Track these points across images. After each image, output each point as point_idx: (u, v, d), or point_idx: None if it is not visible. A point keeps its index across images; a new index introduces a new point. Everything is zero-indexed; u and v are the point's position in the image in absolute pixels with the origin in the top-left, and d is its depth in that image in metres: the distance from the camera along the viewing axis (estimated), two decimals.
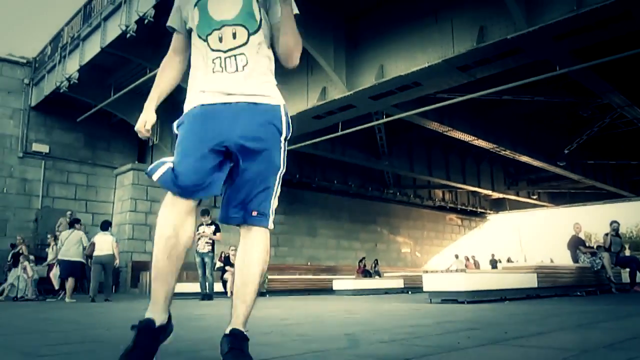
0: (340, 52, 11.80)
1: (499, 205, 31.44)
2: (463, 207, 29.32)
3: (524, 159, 19.82)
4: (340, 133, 14.65)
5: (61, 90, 14.78)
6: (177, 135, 2.14)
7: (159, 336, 2.04)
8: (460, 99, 12.75)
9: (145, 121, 2.23)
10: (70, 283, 10.40)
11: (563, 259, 10.73)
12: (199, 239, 10.64)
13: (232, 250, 12.66)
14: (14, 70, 17.14)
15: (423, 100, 13.46)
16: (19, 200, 16.41)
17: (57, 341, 3.08)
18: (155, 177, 2.03)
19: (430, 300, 7.30)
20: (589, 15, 8.50)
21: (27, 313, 6.47)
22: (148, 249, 17.44)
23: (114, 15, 12.51)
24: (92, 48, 13.58)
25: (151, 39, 13.04)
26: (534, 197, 28.11)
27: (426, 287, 7.51)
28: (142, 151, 19.36)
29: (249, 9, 2.15)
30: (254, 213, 2.09)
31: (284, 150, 2.17)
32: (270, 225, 2.13)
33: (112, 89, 15.29)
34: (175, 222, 2.00)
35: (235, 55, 2.12)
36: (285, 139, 2.17)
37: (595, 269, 9.57)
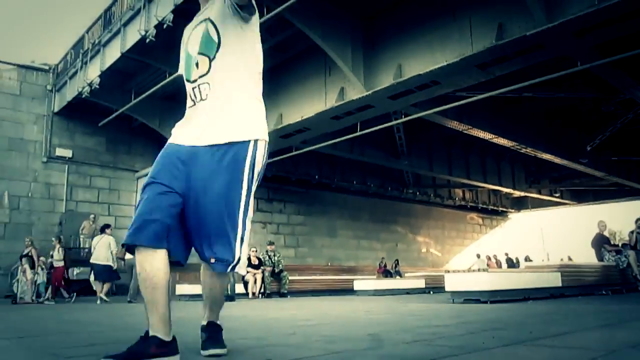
0: (358, 52, 11.79)
1: (520, 204, 31.07)
2: (484, 206, 29.03)
3: (546, 156, 19.56)
4: (359, 133, 14.62)
5: (83, 96, 15.00)
6: None
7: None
8: (480, 97, 12.64)
9: None
10: (98, 286, 11.09)
11: (588, 257, 10.57)
12: None
13: (253, 251, 12.71)
14: (37, 77, 17.45)
15: (442, 99, 13.36)
16: (44, 204, 16.71)
17: (81, 343, 3.13)
18: None
19: (453, 300, 7.26)
20: (610, 9, 8.35)
21: (48, 315, 6.58)
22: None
23: (134, 20, 12.67)
24: (112, 53, 13.76)
25: (170, 44, 13.17)
26: (557, 195, 27.71)
27: (448, 287, 7.46)
28: None
29: (206, 33, 2.26)
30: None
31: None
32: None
33: (132, 93, 15.47)
34: None
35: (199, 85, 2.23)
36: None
37: (621, 267, 9.42)
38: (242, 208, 2.10)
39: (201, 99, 2.19)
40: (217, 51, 2.20)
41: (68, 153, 17.30)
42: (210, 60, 2.21)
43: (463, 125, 16.22)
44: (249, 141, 2.14)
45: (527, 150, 18.95)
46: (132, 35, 12.69)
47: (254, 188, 2.15)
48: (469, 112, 15.86)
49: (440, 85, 11.76)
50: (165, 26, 11.13)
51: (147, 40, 11.73)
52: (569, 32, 9.27)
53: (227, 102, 2.17)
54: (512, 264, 24.14)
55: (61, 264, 13.17)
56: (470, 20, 10.29)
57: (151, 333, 2.00)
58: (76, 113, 17.18)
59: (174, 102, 17.13)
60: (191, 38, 2.36)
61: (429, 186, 25.44)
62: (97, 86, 14.32)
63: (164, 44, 12.73)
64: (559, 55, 10.69)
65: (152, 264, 1.99)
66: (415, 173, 23.26)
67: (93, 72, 14.63)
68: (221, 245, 2.07)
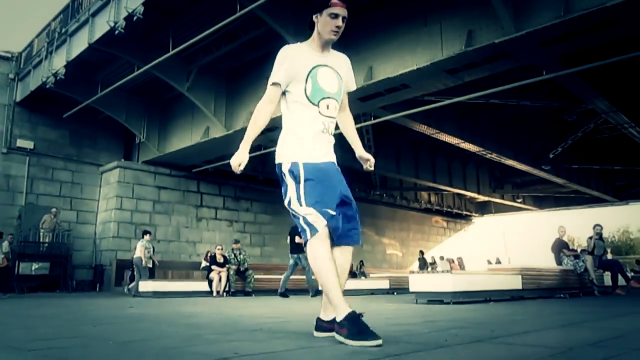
0: None
1: (484, 208, 31.69)
2: (449, 210, 29.49)
3: (510, 162, 19.98)
4: None
5: (47, 86, 14.60)
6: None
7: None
8: (448, 102, 12.84)
9: (241, 162, 2.68)
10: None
11: (547, 261, 10.84)
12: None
13: (218, 249, 12.61)
14: None
15: (411, 102, 13.52)
16: (2, 196, 16.20)
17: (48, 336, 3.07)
18: None
19: (417, 300, 7.36)
20: (576, 21, 8.60)
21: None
22: (133, 247, 17.31)
23: (103, 11, 12.42)
24: (79, 44, 13.45)
25: (140, 36, 12.98)
26: (519, 200, 28.35)
27: (412, 288, 7.57)
28: (128, 149, 19.22)
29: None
30: None
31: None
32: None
33: (99, 86, 15.14)
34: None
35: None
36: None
37: (579, 271, 9.70)
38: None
39: (326, 131, 2.96)
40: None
41: (29, 144, 16.83)
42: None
43: (431, 129, 16.44)
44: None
45: (492, 156, 19.33)
46: (100, 26, 12.43)
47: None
48: (437, 117, 16.08)
49: (410, 88, 11.91)
50: (135, 18, 10.95)
51: (117, 32, 11.52)
52: (536, 42, 9.50)
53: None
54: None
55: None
56: (441, 26, 10.45)
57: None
58: (39, 104, 16.74)
59: (141, 96, 16.87)
60: (323, 77, 2.86)
61: (396, 188, 25.70)
62: (62, 77, 13.97)
63: (134, 37, 12.53)
64: (526, 63, 10.94)
65: None
66: (382, 175, 23.44)
67: (58, 62, 14.27)
68: None
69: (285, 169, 2.75)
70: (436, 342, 2.58)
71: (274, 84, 2.78)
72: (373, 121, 14.94)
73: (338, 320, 2.54)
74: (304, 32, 11.10)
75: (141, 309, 6.33)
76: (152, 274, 12.84)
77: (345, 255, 2.79)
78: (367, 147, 18.84)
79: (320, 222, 2.63)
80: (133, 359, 2.15)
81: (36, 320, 4.67)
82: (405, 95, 12.44)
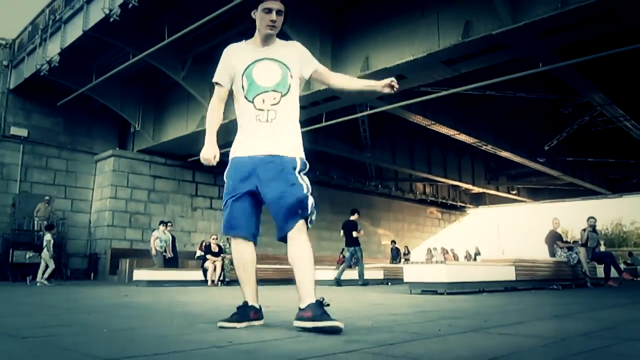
0: (326, 42, 11.79)
1: (479, 200, 31.80)
2: (443, 201, 29.57)
3: (505, 154, 20.04)
4: (324, 124, 14.66)
5: (41, 74, 14.49)
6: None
7: None
8: (444, 93, 12.84)
9: (215, 154, 2.91)
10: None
11: (541, 253, 10.89)
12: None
13: (213, 238, 12.62)
14: None
15: (407, 93, 13.51)
16: None
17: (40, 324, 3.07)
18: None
19: (411, 291, 7.39)
20: (573, 13, 8.60)
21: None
22: (128, 236, 17.31)
23: None
24: (74, 31, 13.33)
25: (135, 24, 12.87)
26: (514, 192, 28.46)
27: (407, 278, 7.59)
28: (123, 137, 19.14)
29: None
30: None
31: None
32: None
33: (94, 74, 15.03)
34: None
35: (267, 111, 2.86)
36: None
37: (572, 263, 9.76)
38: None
39: (262, 121, 2.95)
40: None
41: (23, 132, 16.73)
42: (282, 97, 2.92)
43: (427, 121, 16.45)
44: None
45: (488, 148, 19.37)
46: (95, 13, 12.31)
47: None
48: (433, 108, 16.09)
49: (407, 79, 11.88)
50: (130, 6, 10.86)
51: (112, 19, 11.42)
52: (533, 33, 9.51)
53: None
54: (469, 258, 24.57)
55: None
56: (438, 17, 10.43)
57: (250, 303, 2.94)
58: (33, 91, 16.63)
59: (136, 85, 16.77)
60: (262, 71, 2.89)
61: (391, 179, 25.73)
62: (57, 64, 13.87)
63: (129, 24, 12.43)
64: (523, 55, 10.94)
65: None
66: (377, 166, 23.47)
67: (53, 50, 14.16)
68: None
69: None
70: (430, 331, 2.59)
71: (216, 83, 2.97)
72: (369, 112, 14.92)
73: (303, 306, 2.66)
74: (298, 22, 11.06)
75: (136, 297, 6.34)
76: (171, 264, 12.93)
77: None
78: (362, 138, 18.92)
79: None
80: (127, 347, 2.15)
81: (31, 308, 4.67)
82: (402, 86, 12.36)
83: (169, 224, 13.39)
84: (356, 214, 12.42)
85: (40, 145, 17.10)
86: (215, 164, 2.94)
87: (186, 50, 13.97)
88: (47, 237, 12.63)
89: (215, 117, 3.01)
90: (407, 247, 22.41)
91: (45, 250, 12.35)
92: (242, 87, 2.87)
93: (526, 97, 15.72)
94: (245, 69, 2.87)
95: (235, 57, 2.92)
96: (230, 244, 2.99)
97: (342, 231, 12.22)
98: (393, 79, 2.97)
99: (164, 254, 12.63)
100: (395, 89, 2.97)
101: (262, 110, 2.84)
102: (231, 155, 2.91)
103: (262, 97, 2.84)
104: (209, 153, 2.90)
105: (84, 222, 17.79)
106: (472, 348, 2.12)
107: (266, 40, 2.91)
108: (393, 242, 20.96)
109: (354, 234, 11.82)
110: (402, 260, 19.73)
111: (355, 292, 8.04)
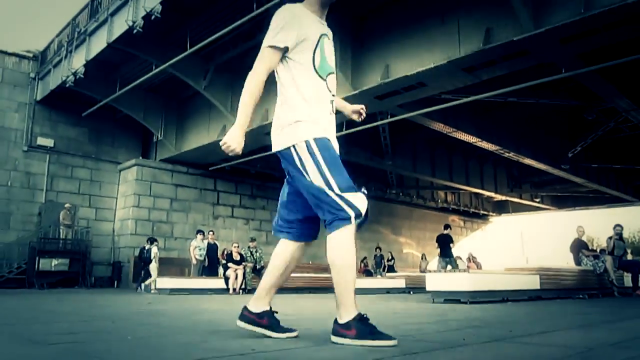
0: (346, 50, 11.81)
1: (501, 208, 31.40)
2: (465, 209, 29.27)
3: (528, 161, 19.79)
4: (344, 132, 14.64)
5: (67, 85, 14.82)
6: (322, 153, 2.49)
7: None
8: (465, 100, 12.75)
9: (242, 144, 2.37)
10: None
11: (565, 261, 10.72)
12: None
13: (235, 246, 12.68)
14: (20, 64, 17.20)
15: (428, 100, 13.45)
16: (23, 193, 16.47)
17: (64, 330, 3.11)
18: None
19: (433, 300, 7.32)
20: (596, 18, 8.49)
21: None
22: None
23: (121, 10, 12.54)
24: (98, 43, 13.61)
25: (158, 35, 13.07)
26: (537, 200, 28.05)
27: (429, 287, 7.53)
28: (146, 147, 19.41)
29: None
30: None
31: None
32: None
33: (117, 85, 15.31)
34: None
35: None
36: None
37: (598, 272, 9.57)
38: None
39: (333, 112, 2.62)
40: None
41: (50, 142, 17.08)
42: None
43: (448, 128, 16.33)
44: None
45: (510, 155, 19.15)
46: (119, 26, 12.56)
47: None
48: (454, 115, 15.98)
49: (427, 87, 11.85)
50: (153, 17, 11.04)
51: (135, 31, 11.62)
52: (555, 39, 9.39)
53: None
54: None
55: None
56: (458, 24, 10.38)
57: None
58: (59, 102, 16.97)
59: (158, 95, 17.01)
60: (328, 49, 2.54)
61: (412, 187, 25.58)
62: (82, 76, 14.15)
63: (152, 36, 12.62)
64: (545, 61, 10.82)
65: None
66: (398, 174, 23.36)
67: (78, 62, 14.45)
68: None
69: (302, 150, 2.45)
70: (454, 341, 2.56)
71: (276, 47, 2.37)
72: (390, 119, 14.89)
73: (343, 321, 2.34)
74: None
75: (159, 305, 6.40)
76: (211, 272, 13.15)
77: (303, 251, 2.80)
78: (383, 146, 18.87)
79: (363, 207, 2.50)
80: (151, 355, 2.17)
81: (56, 315, 4.73)
82: (422, 93, 12.38)
83: (210, 232, 13.78)
84: (449, 228, 14.54)
85: (65, 155, 17.44)
86: (238, 154, 2.41)
87: (207, 60, 14.13)
88: (154, 249, 13.53)
89: (257, 96, 2.42)
90: (390, 252, 21.70)
91: (153, 262, 13.28)
92: (313, 60, 2.42)
93: (549, 104, 15.52)
94: (318, 41, 2.43)
95: (306, 23, 2.42)
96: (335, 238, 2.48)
97: (436, 244, 14.39)
98: (362, 106, 2.94)
99: (203, 262, 13.12)
100: (362, 118, 2.95)
101: (333, 96, 2.55)
102: (316, 134, 2.44)
103: (332, 77, 2.53)
104: (236, 141, 2.34)
105: (108, 231, 18.04)
106: (497, 357, 2.09)
107: (324, 9, 2.50)
108: (378, 248, 20.32)
109: (451, 245, 14.14)
110: (385, 269, 19.28)
111: (377, 301, 7.99)
